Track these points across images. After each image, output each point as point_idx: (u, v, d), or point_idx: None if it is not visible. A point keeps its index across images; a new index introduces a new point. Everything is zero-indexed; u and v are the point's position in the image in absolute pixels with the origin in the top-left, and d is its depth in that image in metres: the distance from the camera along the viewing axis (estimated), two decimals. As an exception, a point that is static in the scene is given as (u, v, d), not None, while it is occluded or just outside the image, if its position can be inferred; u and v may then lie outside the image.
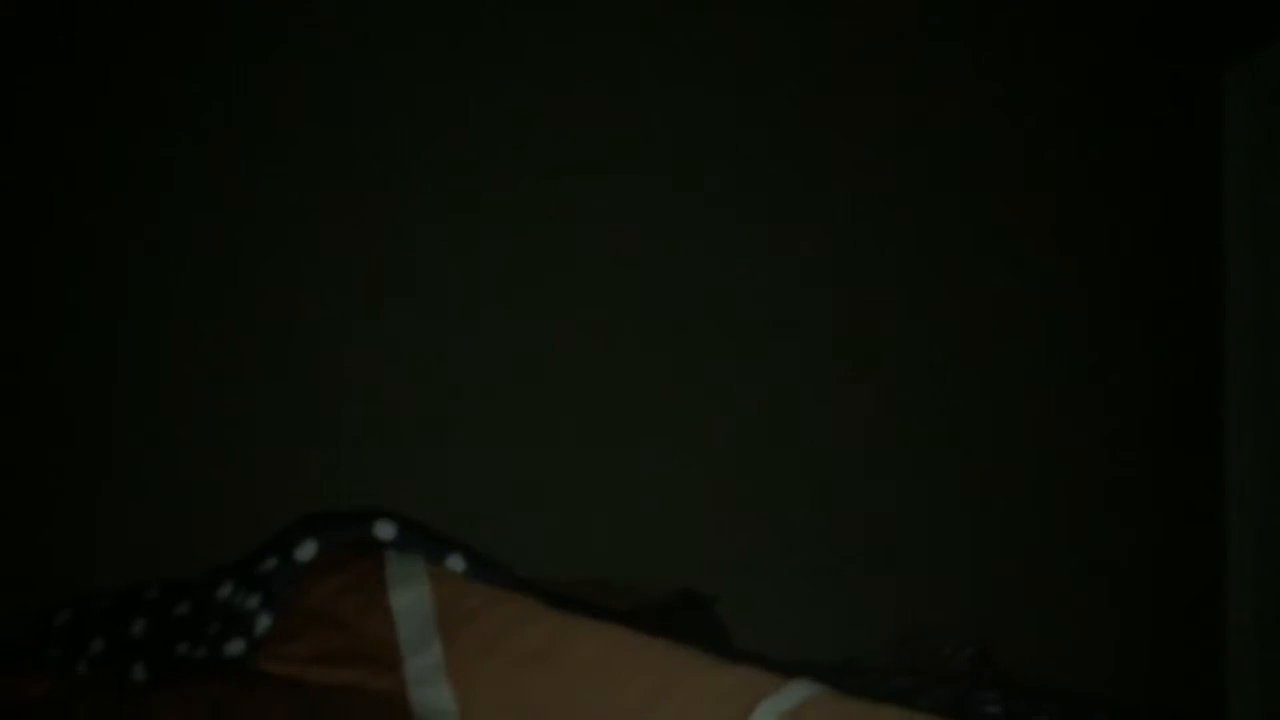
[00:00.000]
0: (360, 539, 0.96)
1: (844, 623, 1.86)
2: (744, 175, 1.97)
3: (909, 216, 2.03)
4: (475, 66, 1.87)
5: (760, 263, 1.96)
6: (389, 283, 1.83)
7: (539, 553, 1.56)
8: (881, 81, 2.03)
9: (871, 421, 1.98)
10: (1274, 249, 2.13)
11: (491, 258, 1.86)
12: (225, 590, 0.97)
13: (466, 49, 1.87)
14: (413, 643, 0.86)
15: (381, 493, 1.35)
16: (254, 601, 0.92)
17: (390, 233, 1.84)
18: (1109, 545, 2.06)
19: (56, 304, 1.73)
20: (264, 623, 0.91)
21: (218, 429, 1.75)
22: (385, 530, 0.96)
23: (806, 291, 1.98)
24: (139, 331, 1.75)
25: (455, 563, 0.94)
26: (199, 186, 1.78)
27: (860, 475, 1.97)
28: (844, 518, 1.95)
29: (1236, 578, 2.10)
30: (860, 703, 0.73)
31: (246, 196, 1.79)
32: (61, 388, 1.72)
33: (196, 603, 0.97)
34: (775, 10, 1.99)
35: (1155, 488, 2.10)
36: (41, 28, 1.73)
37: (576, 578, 1.42)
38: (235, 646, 0.90)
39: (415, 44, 1.86)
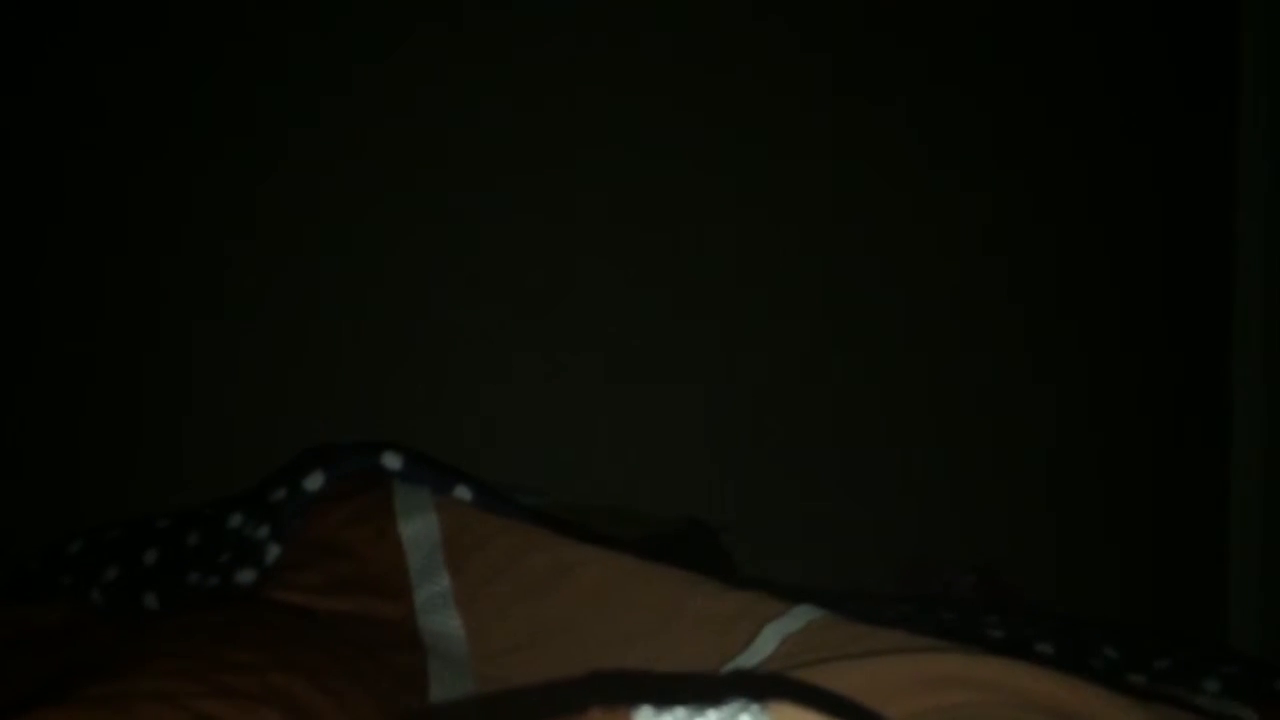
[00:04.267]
0: (368, 470, 0.97)
1: (849, 550, 1.88)
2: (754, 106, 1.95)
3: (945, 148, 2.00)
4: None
5: (774, 188, 1.95)
6: (391, 199, 1.82)
7: (546, 482, 1.58)
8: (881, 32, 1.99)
9: (875, 351, 1.98)
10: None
11: (498, 185, 1.85)
12: (235, 520, 0.98)
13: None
14: (421, 571, 0.87)
15: (386, 423, 1.36)
16: (264, 531, 0.93)
17: (394, 151, 1.83)
18: (1112, 470, 2.06)
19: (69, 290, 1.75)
20: (274, 552, 0.92)
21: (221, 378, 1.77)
22: (392, 461, 0.97)
23: (817, 236, 1.96)
24: (147, 291, 1.77)
25: (462, 493, 0.95)
26: (196, 171, 1.77)
27: (865, 404, 1.97)
28: (848, 445, 1.95)
29: (1240, 497, 2.11)
30: (864, 626, 0.73)
31: (244, 184, 1.78)
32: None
33: (207, 532, 0.98)
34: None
35: (1159, 409, 2.10)
36: (40, 27, 1.71)
37: (584, 506, 1.43)
38: (246, 575, 0.91)
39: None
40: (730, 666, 0.72)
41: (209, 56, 1.78)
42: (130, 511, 1.14)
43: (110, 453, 1.73)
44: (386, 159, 1.83)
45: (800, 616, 0.74)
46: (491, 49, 1.86)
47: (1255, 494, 2.09)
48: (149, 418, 1.75)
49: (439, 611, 0.85)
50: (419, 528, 0.91)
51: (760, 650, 0.72)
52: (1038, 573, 1.94)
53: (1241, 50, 2.13)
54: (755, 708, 0.40)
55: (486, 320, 1.85)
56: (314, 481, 0.96)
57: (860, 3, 1.98)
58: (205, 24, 1.78)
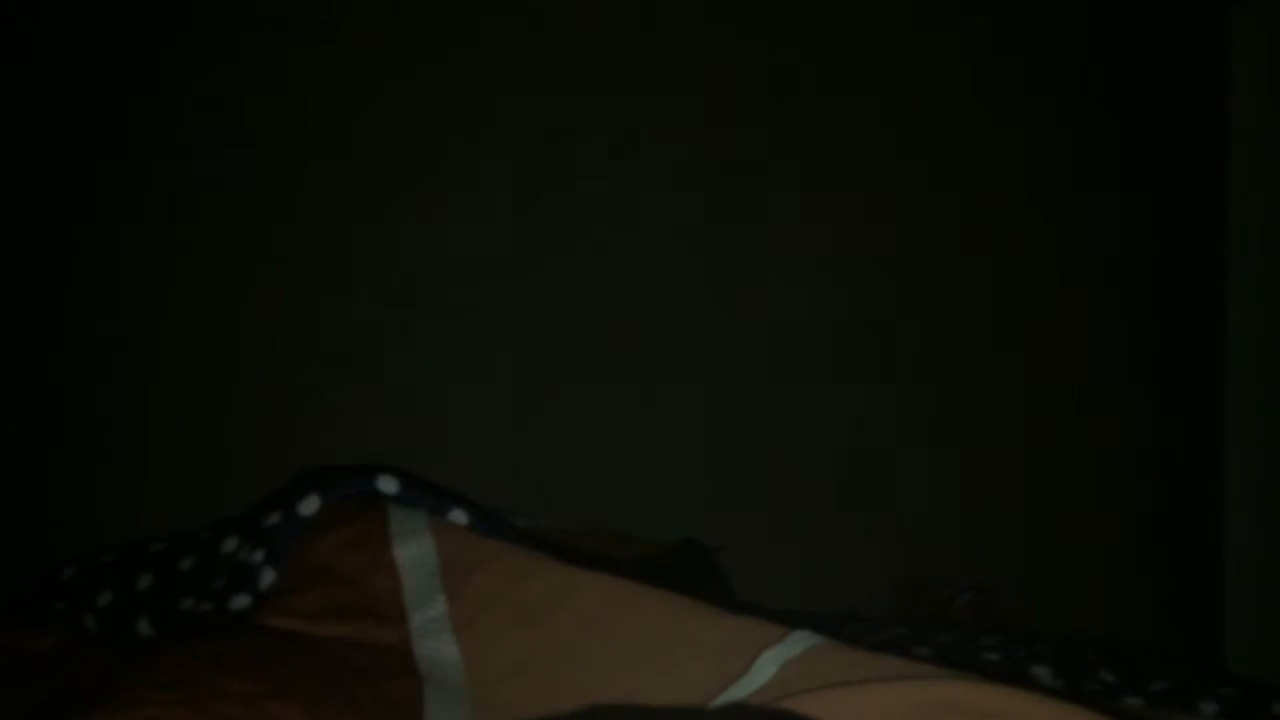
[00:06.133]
0: (363, 494, 0.96)
1: (845, 571, 1.88)
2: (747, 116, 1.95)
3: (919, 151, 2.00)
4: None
5: (764, 208, 1.95)
6: (385, 218, 1.83)
7: (541, 502, 1.57)
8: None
9: (873, 372, 1.98)
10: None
11: (488, 202, 1.85)
12: (229, 544, 0.97)
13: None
14: (417, 596, 0.87)
15: (379, 445, 1.36)
16: (258, 556, 0.92)
17: (389, 179, 1.83)
18: (1109, 491, 2.07)
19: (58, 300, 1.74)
20: (268, 577, 0.91)
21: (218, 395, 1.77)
22: (388, 485, 0.96)
23: (811, 246, 1.97)
24: (144, 309, 1.77)
25: (458, 516, 0.95)
26: (197, 182, 1.78)
27: (861, 424, 1.97)
28: (845, 467, 1.95)
29: (1237, 517, 2.11)
30: (861, 652, 0.73)
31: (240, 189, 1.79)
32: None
33: (201, 557, 0.98)
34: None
35: (1154, 431, 2.10)
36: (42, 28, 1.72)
37: (579, 528, 1.42)
38: (240, 601, 0.90)
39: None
40: (727, 693, 0.72)
41: (209, 60, 1.79)
42: (124, 535, 1.14)
43: (103, 476, 1.72)
44: (384, 167, 1.83)
45: (798, 643, 0.73)
46: (490, 56, 1.86)
47: (1251, 514, 2.09)
48: (142, 440, 1.74)
49: (435, 637, 0.84)
50: (415, 552, 0.90)
51: (758, 677, 0.72)
52: (1035, 592, 1.93)
53: (1230, 59, 2.14)
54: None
55: (481, 341, 1.84)
56: (309, 505, 0.95)
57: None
58: (207, 33, 1.79)
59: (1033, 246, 2.05)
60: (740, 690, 0.72)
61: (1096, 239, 2.09)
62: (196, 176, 1.77)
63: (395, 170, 1.83)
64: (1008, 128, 2.04)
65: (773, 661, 0.73)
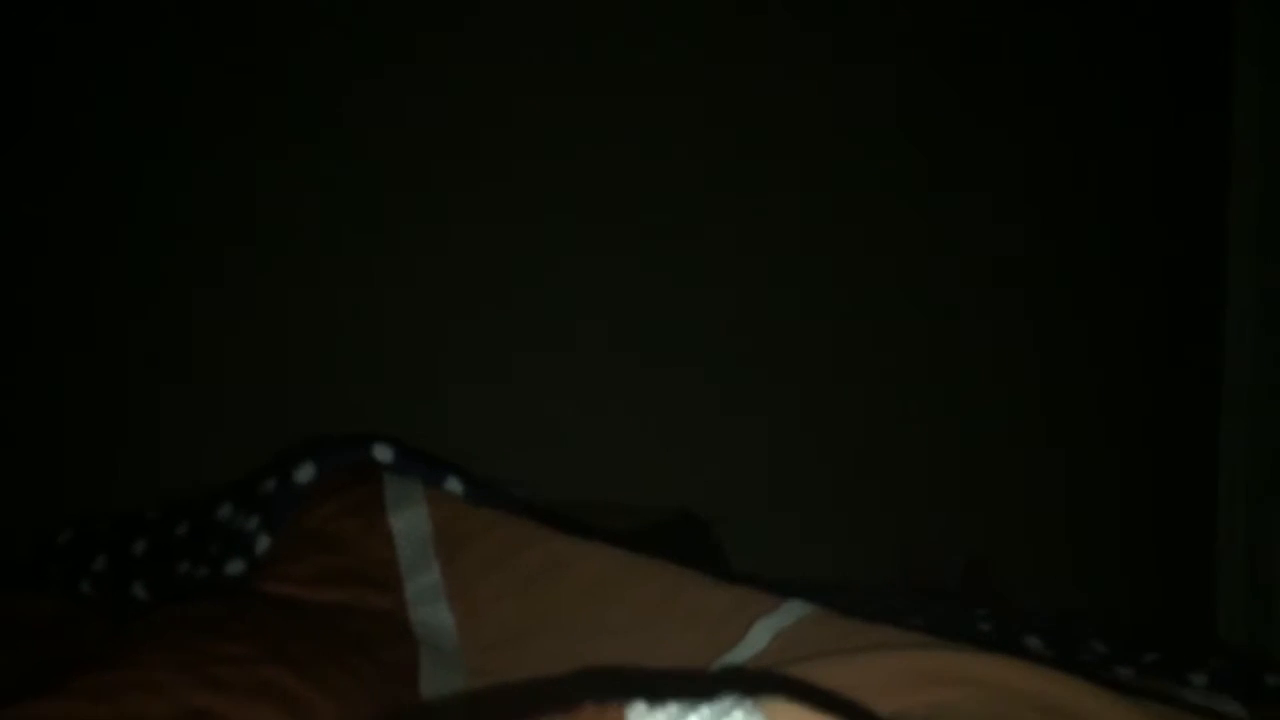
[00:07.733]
0: (359, 462, 0.96)
1: (840, 542, 1.88)
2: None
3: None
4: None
5: (764, 183, 1.94)
6: (385, 187, 1.82)
7: (537, 473, 1.58)
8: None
9: (868, 342, 1.98)
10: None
11: (490, 167, 1.85)
12: (225, 511, 0.98)
13: None
14: (412, 564, 0.87)
15: (376, 416, 1.36)
16: (253, 522, 0.93)
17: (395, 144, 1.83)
18: (1104, 463, 2.07)
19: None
20: (263, 543, 0.91)
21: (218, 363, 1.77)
22: (383, 453, 0.96)
23: (807, 220, 1.96)
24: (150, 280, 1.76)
25: (453, 485, 0.95)
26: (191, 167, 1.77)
27: (857, 393, 1.97)
28: (841, 437, 1.96)
29: (1227, 493, 2.12)
30: (854, 621, 0.74)
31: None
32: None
33: (196, 523, 0.98)
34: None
35: (1151, 405, 2.10)
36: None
37: (574, 499, 1.43)
38: (235, 566, 0.90)
39: None
40: (722, 662, 0.72)
41: (214, 59, 1.78)
42: (121, 504, 1.14)
43: (101, 444, 1.73)
44: (381, 155, 1.82)
45: (792, 612, 0.74)
46: (492, 53, 1.85)
47: (1242, 488, 2.10)
48: (140, 409, 1.75)
49: (430, 604, 0.85)
50: (409, 520, 0.91)
51: (752, 645, 0.72)
52: (1029, 570, 1.94)
53: (1234, 50, 2.13)
54: (748, 704, 0.40)
55: (479, 312, 1.84)
56: (305, 473, 0.95)
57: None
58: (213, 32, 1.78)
59: (1031, 232, 2.05)
60: (734, 658, 0.72)
61: (1096, 227, 2.08)
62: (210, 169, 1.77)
63: (394, 153, 1.82)
64: (1005, 115, 2.03)
65: (767, 630, 0.74)
